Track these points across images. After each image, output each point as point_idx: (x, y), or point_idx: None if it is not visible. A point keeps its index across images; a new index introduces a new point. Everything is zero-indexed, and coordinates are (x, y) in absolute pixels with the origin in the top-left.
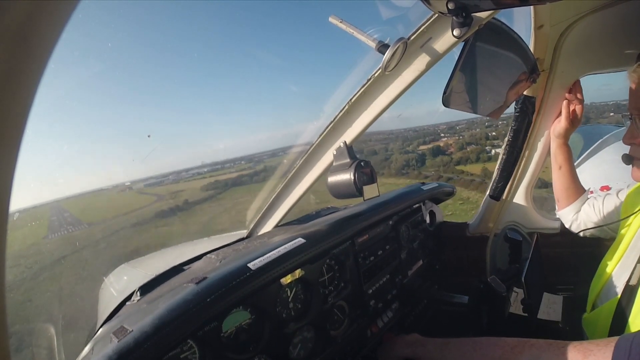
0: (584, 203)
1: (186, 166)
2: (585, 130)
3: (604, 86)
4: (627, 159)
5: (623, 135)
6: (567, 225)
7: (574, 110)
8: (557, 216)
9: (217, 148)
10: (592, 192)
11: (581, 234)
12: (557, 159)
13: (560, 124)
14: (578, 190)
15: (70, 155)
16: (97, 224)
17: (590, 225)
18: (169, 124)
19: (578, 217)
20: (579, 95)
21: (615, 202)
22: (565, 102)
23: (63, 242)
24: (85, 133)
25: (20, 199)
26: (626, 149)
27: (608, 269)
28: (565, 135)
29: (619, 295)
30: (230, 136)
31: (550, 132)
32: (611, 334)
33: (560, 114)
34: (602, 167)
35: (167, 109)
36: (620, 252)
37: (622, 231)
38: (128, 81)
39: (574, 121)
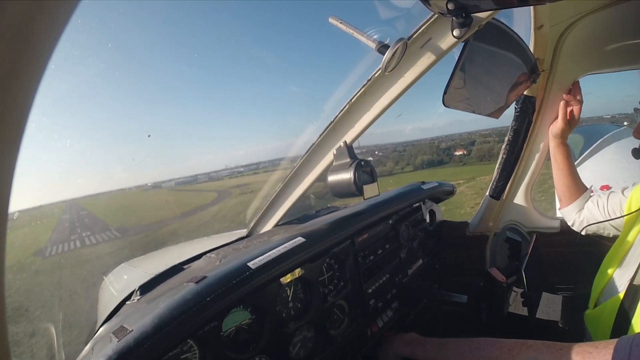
0: (586, 201)
1: (201, 171)
2: (585, 130)
3: (628, 97)
4: (637, 153)
5: (622, 135)
6: (569, 224)
7: (571, 110)
8: (560, 214)
9: (236, 154)
10: (592, 192)
11: (583, 232)
12: (556, 158)
13: (557, 125)
14: (580, 189)
15: (80, 156)
16: (138, 228)
17: (594, 223)
18: (181, 126)
19: (581, 215)
20: (577, 96)
21: (620, 200)
22: (562, 103)
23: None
24: (90, 136)
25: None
26: (631, 146)
27: (611, 267)
28: (563, 136)
29: (623, 294)
30: (249, 143)
31: (549, 132)
32: (614, 332)
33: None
34: (602, 166)
35: (183, 112)
36: (624, 250)
37: (626, 229)
38: (127, 82)
39: (571, 122)
